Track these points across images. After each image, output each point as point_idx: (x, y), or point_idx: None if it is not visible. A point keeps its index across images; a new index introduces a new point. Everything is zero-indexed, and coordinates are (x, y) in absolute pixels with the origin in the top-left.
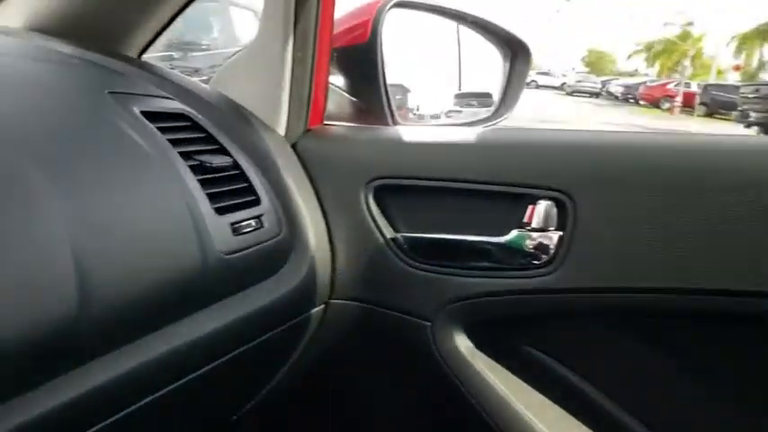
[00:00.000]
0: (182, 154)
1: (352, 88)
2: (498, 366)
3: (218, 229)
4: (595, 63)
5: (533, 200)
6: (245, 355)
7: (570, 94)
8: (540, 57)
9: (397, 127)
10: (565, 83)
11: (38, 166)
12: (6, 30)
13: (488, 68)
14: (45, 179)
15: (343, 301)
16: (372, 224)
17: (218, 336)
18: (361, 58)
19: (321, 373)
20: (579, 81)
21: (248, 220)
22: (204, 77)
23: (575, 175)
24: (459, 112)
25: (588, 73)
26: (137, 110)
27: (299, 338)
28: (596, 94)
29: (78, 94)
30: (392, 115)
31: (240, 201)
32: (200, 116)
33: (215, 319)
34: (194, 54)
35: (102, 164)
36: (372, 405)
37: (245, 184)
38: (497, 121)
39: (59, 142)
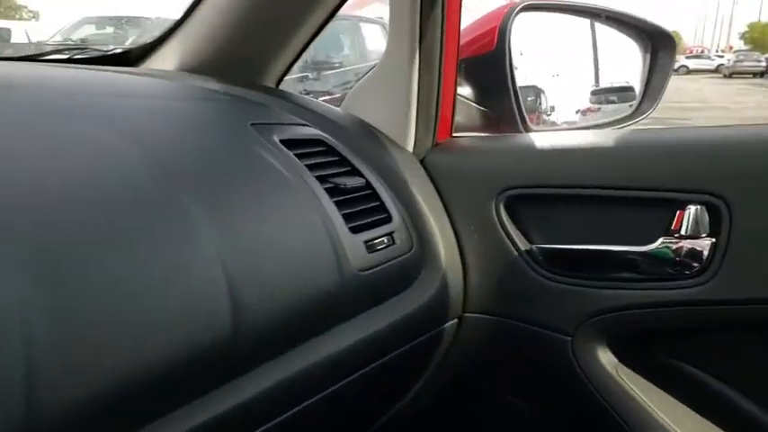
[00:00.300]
0: (318, 178)
1: (481, 97)
2: (646, 382)
3: (354, 248)
4: (759, 39)
5: (681, 205)
6: (381, 369)
7: (729, 76)
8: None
9: (530, 134)
10: (722, 64)
11: (193, 197)
12: (161, 73)
13: (628, 62)
14: (200, 209)
15: (477, 315)
16: (505, 236)
17: (355, 350)
18: (488, 67)
19: (456, 388)
20: (739, 61)
21: (381, 237)
22: (337, 95)
23: (729, 176)
24: (598, 109)
25: (750, 50)
26: (276, 138)
27: (432, 353)
28: (760, 74)
29: (224, 127)
30: (523, 122)
31: (373, 219)
32: (333, 140)
33: (351, 334)
34: (327, 72)
35: (248, 191)
36: (508, 420)
37: (377, 203)
38: (641, 118)
39: (210, 174)
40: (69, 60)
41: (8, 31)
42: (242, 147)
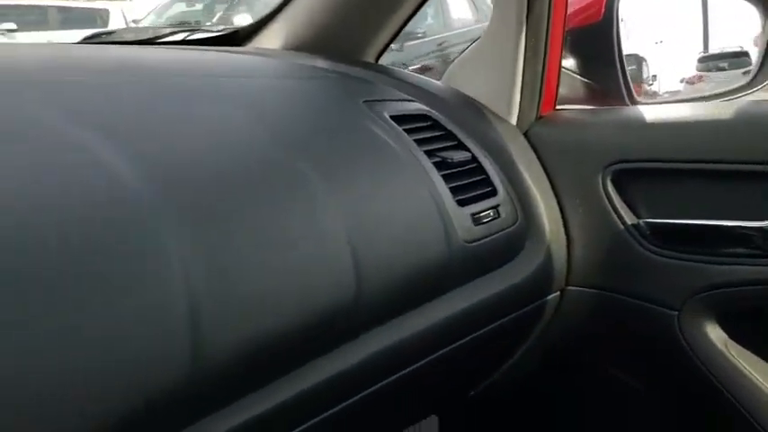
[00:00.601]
0: (426, 152)
1: (585, 69)
2: (758, 359)
3: (461, 220)
4: None
5: None
6: (483, 338)
7: None
8: None
9: (637, 107)
10: None
11: (314, 168)
12: (271, 52)
13: (741, 26)
14: (321, 179)
15: (580, 288)
16: (612, 210)
17: (458, 320)
18: (594, 38)
19: (556, 361)
20: None
21: (486, 210)
22: (420, 66)
23: None
24: (706, 77)
25: None
26: (387, 114)
27: (534, 325)
28: None
29: (339, 105)
30: (630, 94)
31: (478, 192)
32: (439, 115)
33: (456, 304)
34: (410, 43)
35: (366, 166)
36: (610, 393)
37: (483, 177)
38: (758, 88)
39: (330, 150)
40: (183, 42)
41: (107, 11)
42: (357, 123)
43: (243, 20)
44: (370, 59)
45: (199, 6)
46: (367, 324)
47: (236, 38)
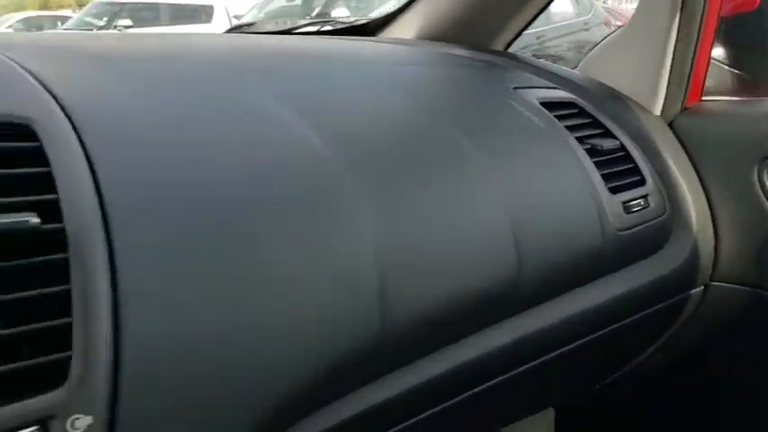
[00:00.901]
0: (577, 139)
1: (735, 59)
2: None
3: (613, 208)
4: None
5: None
6: (624, 328)
7: None
8: None
9: None
10: None
11: (476, 147)
12: (403, 41)
13: None
14: (483, 157)
15: (727, 285)
16: (767, 205)
17: (608, 307)
18: (747, 27)
19: (696, 356)
20: None
21: (636, 199)
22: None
23: None
24: None
25: None
26: (537, 101)
27: (675, 318)
28: None
29: (492, 91)
30: None
31: (628, 181)
32: (585, 102)
33: (607, 291)
34: None
35: (521, 147)
36: (749, 394)
37: (631, 165)
38: None
39: (488, 128)
40: (318, 33)
41: (212, 7)
42: (510, 107)
43: (340, 13)
44: (500, 49)
45: (298, 2)
46: (528, 302)
47: (367, 29)
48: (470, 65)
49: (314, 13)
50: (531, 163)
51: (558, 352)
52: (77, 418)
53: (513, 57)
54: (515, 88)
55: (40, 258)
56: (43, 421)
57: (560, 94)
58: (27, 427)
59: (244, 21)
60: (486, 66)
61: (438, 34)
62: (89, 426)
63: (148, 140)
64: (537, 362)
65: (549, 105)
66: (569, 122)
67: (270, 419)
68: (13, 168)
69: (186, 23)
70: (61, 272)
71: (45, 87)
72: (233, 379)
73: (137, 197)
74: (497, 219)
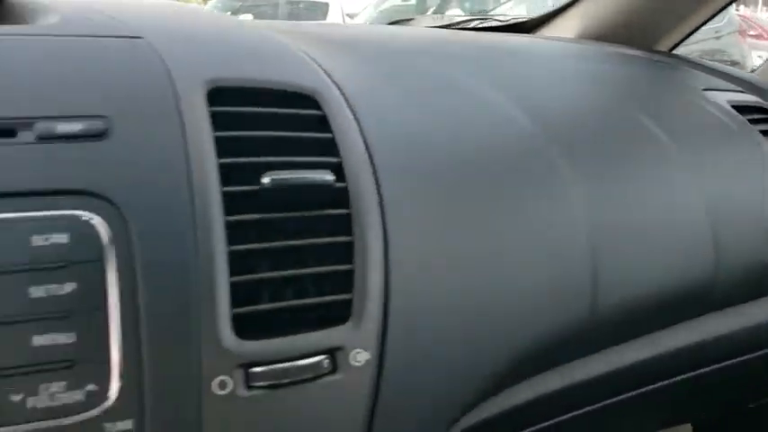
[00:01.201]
0: None
1: None
2: None
3: None
4: None
5: None
6: None
7: None
8: None
9: None
10: None
11: (679, 149)
12: (569, 39)
13: None
14: (682, 153)
15: None
16: None
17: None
18: None
19: None
20: None
21: None
22: None
23: None
24: None
25: None
26: (728, 105)
27: None
28: None
29: (682, 92)
30: None
31: None
32: None
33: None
34: None
35: (719, 148)
36: None
37: None
38: None
39: (686, 130)
40: (476, 29)
41: (327, 5)
42: (702, 109)
43: (454, 12)
44: (665, 51)
45: (412, 1)
46: (720, 304)
47: (524, 27)
48: (653, 64)
49: (429, 12)
50: (728, 164)
51: (741, 359)
52: (359, 353)
53: (687, 59)
54: (705, 90)
55: (335, 211)
56: (332, 351)
57: (749, 98)
58: (318, 355)
59: (359, 19)
60: (667, 66)
61: (600, 34)
62: (367, 361)
63: (406, 115)
64: (716, 366)
65: (741, 109)
66: (762, 127)
67: (496, 382)
68: (297, 132)
69: (303, 20)
70: (345, 225)
71: (318, 65)
72: (474, 333)
73: (400, 163)
74: (698, 216)
